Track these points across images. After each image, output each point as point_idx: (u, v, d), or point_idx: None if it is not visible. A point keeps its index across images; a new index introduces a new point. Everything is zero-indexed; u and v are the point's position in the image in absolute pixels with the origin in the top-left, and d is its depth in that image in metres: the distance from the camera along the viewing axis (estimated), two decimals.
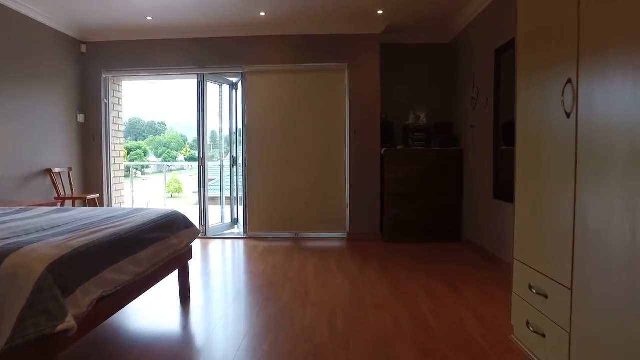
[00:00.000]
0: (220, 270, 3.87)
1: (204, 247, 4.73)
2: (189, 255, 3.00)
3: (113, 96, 5.54)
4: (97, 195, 4.73)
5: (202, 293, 3.19)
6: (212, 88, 5.51)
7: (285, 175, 5.10)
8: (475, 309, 2.80)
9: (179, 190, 33.83)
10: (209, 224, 5.29)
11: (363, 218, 4.99)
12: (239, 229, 5.56)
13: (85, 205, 4.49)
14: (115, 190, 5.56)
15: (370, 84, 4.94)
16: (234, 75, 5.31)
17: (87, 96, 5.13)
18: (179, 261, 2.84)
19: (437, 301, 2.95)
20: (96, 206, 4.74)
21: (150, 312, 2.80)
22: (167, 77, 5.46)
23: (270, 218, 5.15)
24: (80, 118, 5.06)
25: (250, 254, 4.45)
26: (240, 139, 5.37)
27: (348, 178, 5.00)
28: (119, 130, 5.70)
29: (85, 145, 5.14)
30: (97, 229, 2.13)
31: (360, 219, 4.99)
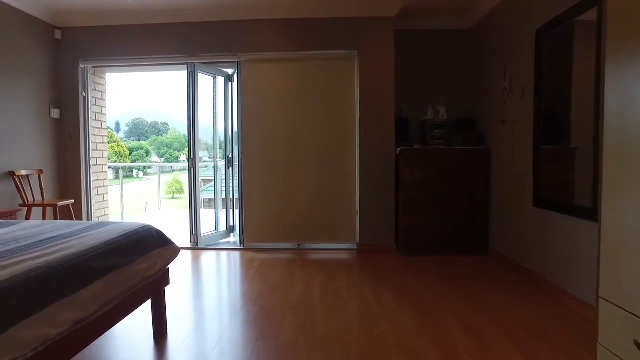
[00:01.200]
0: (209, 292, 3.27)
1: (195, 261, 4.14)
2: (165, 280, 2.40)
3: (95, 89, 4.95)
4: (72, 201, 4.14)
5: (184, 326, 2.58)
6: (204, 80, 4.91)
7: (286, 178, 4.49)
8: (528, 349, 2.18)
9: (180, 191, 33.42)
10: (202, 232, 4.69)
11: (375, 227, 4.38)
12: (235, 238, 4.97)
13: (55, 214, 3.90)
14: (98, 194, 4.97)
15: (383, 75, 4.33)
16: (229, 65, 4.71)
17: (62, 89, 4.54)
18: (151, 290, 2.24)
19: (476, 337, 2.33)
20: (70, 214, 4.16)
21: (113, 355, 2.20)
22: (153, 68, 4.88)
23: (269, 226, 4.54)
24: (55, 113, 4.47)
25: (246, 269, 3.85)
26: (236, 137, 4.77)
27: (358, 182, 4.39)
28: (102, 128, 5.11)
29: (60, 144, 4.55)
30: (21, 257, 1.53)
31: (372, 228, 4.38)
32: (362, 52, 4.34)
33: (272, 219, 4.52)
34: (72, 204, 4.18)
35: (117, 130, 62.75)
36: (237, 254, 4.43)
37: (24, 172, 3.94)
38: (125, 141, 52.21)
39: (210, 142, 5.23)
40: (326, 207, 4.46)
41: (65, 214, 4.16)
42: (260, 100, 4.50)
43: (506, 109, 3.79)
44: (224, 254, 4.45)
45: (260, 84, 4.51)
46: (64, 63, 4.52)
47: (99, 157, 5.01)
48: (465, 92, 4.61)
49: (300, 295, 3.07)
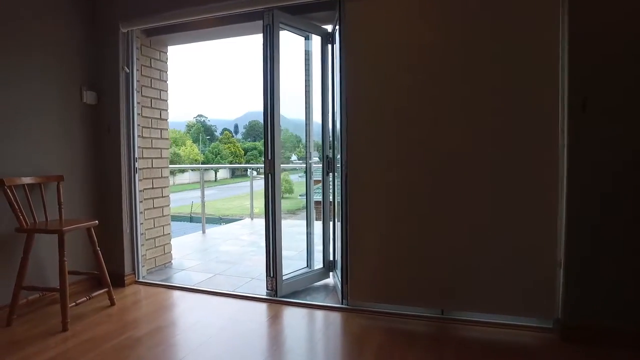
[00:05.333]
0: None
1: (271, 328, 2.49)
2: None
3: (151, 66, 3.63)
4: (94, 222, 2.77)
5: None
6: (291, 42, 3.26)
7: (424, 197, 2.58)
8: None
9: (289, 190, 33.37)
10: (284, 272, 3.04)
11: (601, 290, 2.24)
12: (335, 280, 3.24)
13: (61, 244, 2.54)
14: (154, 208, 3.64)
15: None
16: (325, 9, 2.96)
17: (100, 64, 3.26)
18: None
19: None
20: (93, 239, 2.80)
21: None
22: (219, 32, 3.33)
23: (391, 276, 2.68)
24: (89, 97, 3.20)
25: (356, 352, 2.08)
26: (340, 129, 2.99)
27: (565, 203, 2.29)
28: (162, 119, 3.78)
29: (95, 139, 3.27)
30: None
31: (593, 291, 2.25)
32: None
33: (396, 265, 2.64)
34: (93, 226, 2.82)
35: (236, 132, 66.73)
36: (337, 317, 2.68)
37: (27, 180, 2.68)
38: (241, 142, 54.88)
39: (301, 136, 3.56)
40: (496, 249, 2.43)
41: (78, 241, 2.81)
42: (379, 67, 2.66)
43: None
44: (318, 316, 2.73)
45: (380, 39, 2.66)
46: (100, 27, 3.23)
47: (155, 158, 3.67)
48: None
49: None
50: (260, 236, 5.38)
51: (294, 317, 2.69)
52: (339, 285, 2.91)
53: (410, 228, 2.58)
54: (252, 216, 7.23)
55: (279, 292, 2.97)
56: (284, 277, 3.03)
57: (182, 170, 35.97)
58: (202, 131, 53.90)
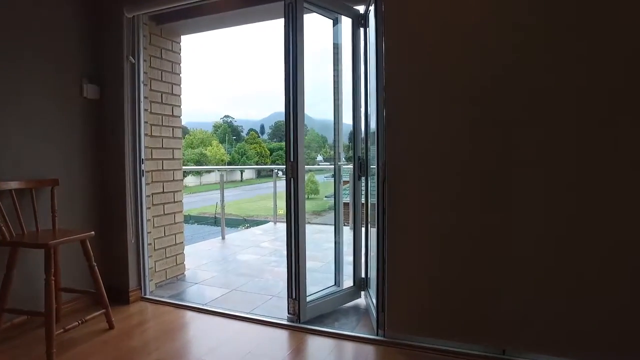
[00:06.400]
0: None
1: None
2: None
3: (162, 58, 3.26)
4: (90, 234, 2.39)
5: None
6: (317, 28, 2.84)
7: (484, 206, 2.07)
8: None
9: (315, 191, 32.93)
10: (309, 289, 2.59)
11: None
12: (367, 301, 2.77)
13: (54, 259, 2.16)
14: (164, 214, 3.27)
15: None
16: None
17: (103, 54, 2.90)
18: None
19: None
20: (88, 253, 2.43)
21: None
22: (233, 12, 2.92)
23: (440, 304, 2.17)
24: (90, 91, 2.84)
25: None
26: (375, 126, 2.50)
27: None
28: (174, 115, 3.40)
29: (96, 138, 2.91)
30: None
31: None
32: None
33: (447, 291, 2.14)
34: (89, 237, 2.44)
35: (262, 132, 67.08)
36: (371, 351, 2.22)
37: (14, 185, 2.33)
38: (267, 142, 54.98)
39: (327, 135, 3.10)
40: (586, 273, 1.90)
41: (73, 254, 2.44)
42: (428, 52, 2.16)
43: None
44: (348, 349, 2.27)
45: (427, 16, 2.17)
46: (103, 11, 2.87)
47: (166, 159, 3.30)
48: None
49: None
50: (282, 243, 4.94)
51: (319, 351, 2.24)
52: (374, 312, 2.43)
53: (465, 246, 2.08)
54: (275, 220, 6.83)
55: (303, 317, 2.52)
56: (308, 299, 2.58)
57: (208, 171, 36.14)
58: (228, 132, 54.26)
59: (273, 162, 45.45)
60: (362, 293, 2.93)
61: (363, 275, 2.90)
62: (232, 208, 26.83)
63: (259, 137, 55.85)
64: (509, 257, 1.98)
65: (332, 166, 3.00)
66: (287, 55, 2.48)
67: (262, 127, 70.82)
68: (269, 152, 48.62)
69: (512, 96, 1.94)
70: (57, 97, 2.65)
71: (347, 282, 2.97)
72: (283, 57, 2.49)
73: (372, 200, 2.68)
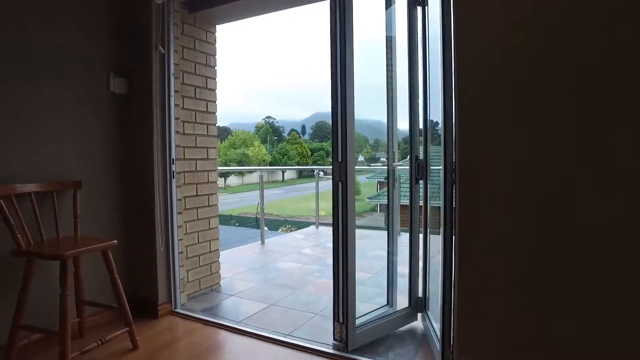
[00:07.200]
0: None
1: None
2: None
3: (195, 49, 2.99)
4: (112, 242, 2.13)
5: None
6: (367, 9, 2.45)
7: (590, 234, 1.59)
8: None
9: (357, 192, 32.56)
10: (357, 311, 2.20)
11: None
12: (426, 324, 2.35)
13: (77, 270, 1.91)
14: (198, 219, 3.00)
15: None
16: None
17: (131, 44, 2.65)
18: None
19: None
20: (110, 265, 2.16)
21: None
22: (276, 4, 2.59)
23: (529, 343, 1.72)
24: (118, 85, 2.59)
25: None
26: (445, 121, 2.05)
27: None
28: (208, 112, 3.12)
29: (124, 137, 2.66)
30: None
31: None
32: None
33: (537, 323, 1.68)
34: (109, 247, 2.18)
35: (303, 133, 67.30)
36: None
37: (33, 188, 2.10)
38: (308, 142, 55.02)
39: (379, 134, 2.69)
40: None
41: (98, 264, 2.18)
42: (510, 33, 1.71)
43: None
44: None
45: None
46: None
47: (200, 159, 3.02)
48: None
49: None
50: (325, 250, 4.59)
51: None
52: (437, 344, 2.01)
53: (565, 263, 1.61)
54: (317, 222, 6.48)
55: (351, 345, 2.14)
56: (357, 322, 2.20)
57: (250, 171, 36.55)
58: (270, 132, 54.78)
59: (314, 163, 45.39)
60: (419, 315, 2.51)
61: (420, 295, 2.47)
62: (273, 208, 26.91)
63: (300, 137, 56.01)
64: (620, 284, 1.50)
65: (385, 167, 2.59)
66: (334, 41, 2.11)
67: (304, 127, 71.10)
68: (310, 152, 48.64)
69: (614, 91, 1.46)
70: (82, 92, 2.42)
71: (401, 299, 2.56)
72: (330, 44, 2.12)
73: (433, 203, 2.28)
